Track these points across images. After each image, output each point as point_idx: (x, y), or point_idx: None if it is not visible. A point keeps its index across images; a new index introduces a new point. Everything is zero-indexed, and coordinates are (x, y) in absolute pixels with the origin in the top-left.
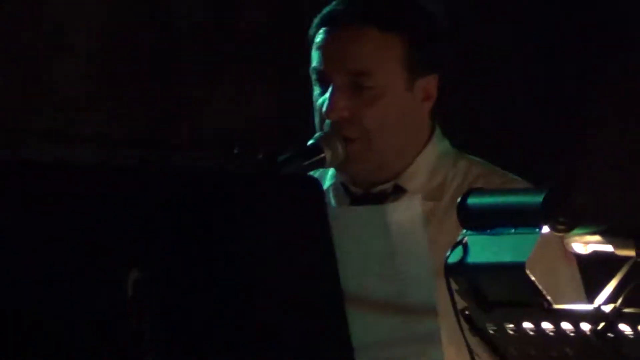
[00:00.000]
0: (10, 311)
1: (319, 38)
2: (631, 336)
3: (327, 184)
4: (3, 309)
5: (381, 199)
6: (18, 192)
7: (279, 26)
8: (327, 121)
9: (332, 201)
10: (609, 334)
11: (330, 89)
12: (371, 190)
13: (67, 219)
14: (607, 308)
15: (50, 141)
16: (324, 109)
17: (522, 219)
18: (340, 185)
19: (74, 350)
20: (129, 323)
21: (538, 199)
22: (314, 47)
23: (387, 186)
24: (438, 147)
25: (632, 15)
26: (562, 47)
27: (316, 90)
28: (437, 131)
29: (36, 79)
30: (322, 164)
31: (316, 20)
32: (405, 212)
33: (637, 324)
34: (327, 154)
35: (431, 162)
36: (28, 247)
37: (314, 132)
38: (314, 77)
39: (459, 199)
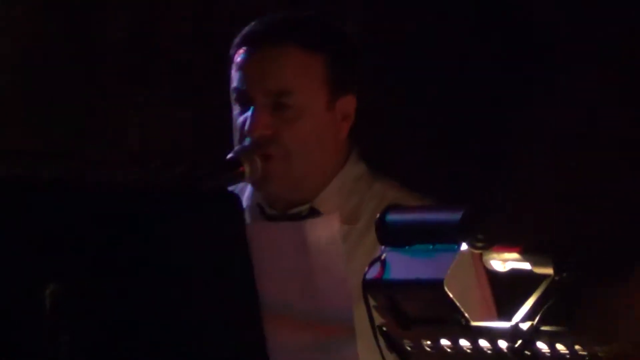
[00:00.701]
0: None
1: (239, 58)
2: (548, 354)
3: (246, 198)
4: None
5: (298, 218)
6: None
7: (200, 43)
8: (247, 139)
9: (254, 220)
10: (526, 352)
11: (252, 108)
12: (287, 212)
13: None
14: (525, 326)
15: None
16: (246, 127)
17: (441, 236)
18: (257, 207)
19: None
20: (46, 335)
21: (456, 216)
22: (235, 67)
23: (303, 208)
24: (354, 169)
25: (554, 41)
26: (481, 69)
27: (236, 110)
28: (354, 153)
29: None
30: (240, 178)
31: (236, 40)
32: (324, 229)
33: (554, 342)
34: (245, 168)
35: (347, 184)
36: None
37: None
38: (234, 96)
39: (377, 215)
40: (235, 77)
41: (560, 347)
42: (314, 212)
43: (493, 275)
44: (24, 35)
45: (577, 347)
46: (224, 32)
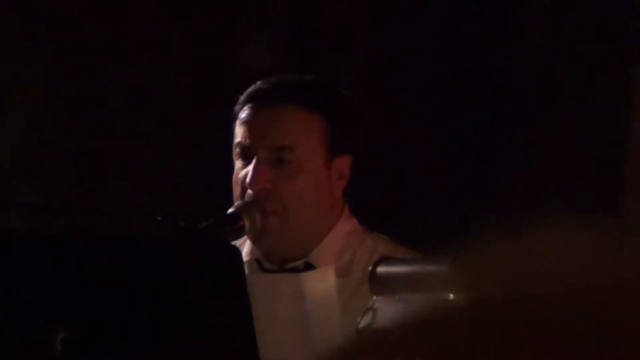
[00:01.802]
0: None
1: (244, 114)
2: None
3: (246, 252)
4: None
5: (297, 271)
6: None
7: (203, 100)
8: (249, 192)
9: (254, 273)
10: None
11: (253, 162)
12: (283, 267)
13: None
14: None
15: None
16: (247, 180)
17: (430, 286)
18: (255, 262)
19: None
20: None
21: (444, 268)
22: (239, 122)
23: (299, 263)
24: (347, 224)
25: (532, 91)
26: (459, 127)
27: (238, 164)
28: (346, 209)
29: None
30: (241, 232)
31: (242, 98)
32: (320, 281)
33: None
34: (246, 222)
35: (340, 240)
36: None
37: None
38: (237, 150)
39: (370, 267)
40: (239, 132)
41: None
42: (309, 267)
43: None
44: (39, 97)
45: None
46: (221, 92)
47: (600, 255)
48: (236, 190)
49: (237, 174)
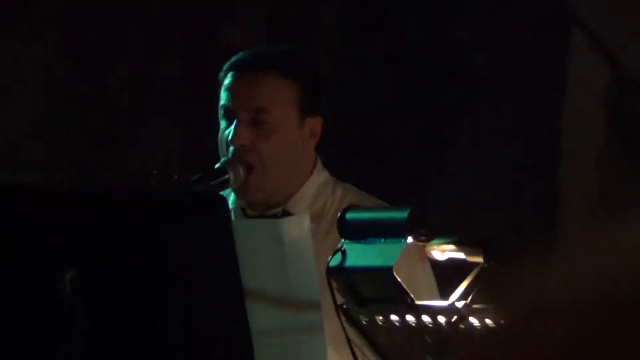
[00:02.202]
0: None
1: (227, 80)
2: (479, 327)
3: (230, 205)
4: None
5: (276, 217)
6: None
7: (190, 81)
8: (231, 148)
9: (239, 219)
10: (461, 326)
11: (235, 122)
12: (264, 214)
13: (16, 232)
14: (460, 304)
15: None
16: (229, 138)
17: (391, 231)
18: (239, 209)
19: (20, 333)
20: (66, 311)
21: (403, 215)
22: (223, 88)
23: (277, 210)
24: (320, 177)
25: (482, 69)
26: (419, 97)
27: (222, 124)
28: (319, 163)
29: None
30: (226, 185)
31: (226, 66)
32: (295, 226)
33: (484, 317)
34: (230, 176)
35: (313, 190)
36: None
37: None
38: (221, 113)
39: (339, 214)
40: (223, 96)
41: (488, 321)
42: (286, 214)
43: (434, 263)
44: (50, 77)
45: (502, 321)
46: (206, 73)
47: None
48: (221, 147)
49: (222, 133)
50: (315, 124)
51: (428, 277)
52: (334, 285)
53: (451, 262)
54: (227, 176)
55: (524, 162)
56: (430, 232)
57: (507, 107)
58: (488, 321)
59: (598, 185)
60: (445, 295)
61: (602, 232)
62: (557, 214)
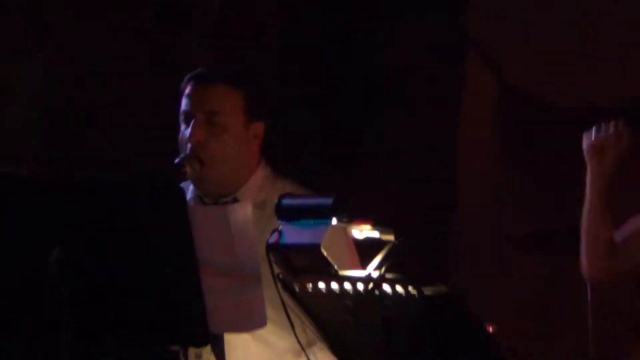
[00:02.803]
0: None
1: (187, 90)
2: (390, 293)
3: (188, 195)
4: None
5: (226, 204)
6: None
7: (158, 87)
8: (189, 145)
9: (195, 206)
10: (376, 292)
11: (192, 124)
12: (218, 202)
13: (14, 217)
14: (375, 274)
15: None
16: (187, 135)
17: (318, 214)
18: (197, 197)
19: (14, 304)
20: (53, 285)
21: (329, 201)
22: (184, 96)
23: (228, 199)
24: (263, 172)
25: (395, 81)
26: (343, 105)
27: (182, 127)
28: (263, 160)
29: None
30: (184, 177)
31: (186, 78)
32: (240, 211)
33: (395, 285)
34: (187, 170)
35: (258, 182)
36: None
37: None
38: (181, 118)
39: (276, 200)
40: (183, 102)
41: (399, 288)
42: (236, 201)
43: (354, 241)
44: (44, 80)
45: (409, 287)
46: (173, 78)
47: None
48: (181, 145)
49: (181, 134)
50: (258, 127)
51: (350, 252)
52: (272, 258)
53: (369, 239)
54: (184, 170)
55: (429, 159)
56: (351, 216)
57: (415, 113)
58: (399, 288)
59: (490, 176)
60: (364, 267)
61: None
62: (456, 201)
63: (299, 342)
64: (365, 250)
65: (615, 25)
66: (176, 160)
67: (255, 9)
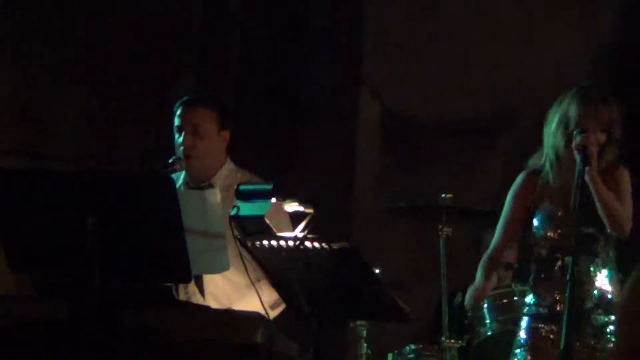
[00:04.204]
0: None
1: (178, 111)
2: (311, 247)
3: (180, 181)
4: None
5: (204, 189)
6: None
7: (158, 113)
8: (181, 148)
9: (182, 189)
10: (301, 247)
11: (183, 134)
12: (199, 186)
13: (61, 196)
14: (301, 235)
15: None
16: (180, 143)
17: (263, 195)
18: (185, 183)
19: (51, 260)
20: (88, 245)
21: (270, 186)
22: (176, 115)
23: (206, 184)
24: (229, 166)
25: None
26: (282, 118)
27: (176, 136)
28: (228, 158)
29: None
30: (174, 171)
31: (177, 104)
32: (213, 194)
33: (314, 242)
34: (177, 166)
35: (225, 173)
36: (35, 209)
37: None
38: (175, 130)
39: (236, 186)
40: (176, 120)
41: (316, 244)
42: (211, 186)
43: (287, 212)
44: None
45: (323, 244)
46: (167, 109)
47: None
48: (176, 148)
49: (176, 141)
50: (226, 134)
51: (285, 220)
52: (233, 225)
53: (297, 212)
54: (175, 166)
55: (338, 160)
56: (285, 195)
57: (328, 127)
58: (316, 244)
59: (376, 170)
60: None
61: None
62: (354, 189)
63: (250, 278)
64: (294, 219)
65: (489, 44)
66: (170, 160)
67: (221, 52)
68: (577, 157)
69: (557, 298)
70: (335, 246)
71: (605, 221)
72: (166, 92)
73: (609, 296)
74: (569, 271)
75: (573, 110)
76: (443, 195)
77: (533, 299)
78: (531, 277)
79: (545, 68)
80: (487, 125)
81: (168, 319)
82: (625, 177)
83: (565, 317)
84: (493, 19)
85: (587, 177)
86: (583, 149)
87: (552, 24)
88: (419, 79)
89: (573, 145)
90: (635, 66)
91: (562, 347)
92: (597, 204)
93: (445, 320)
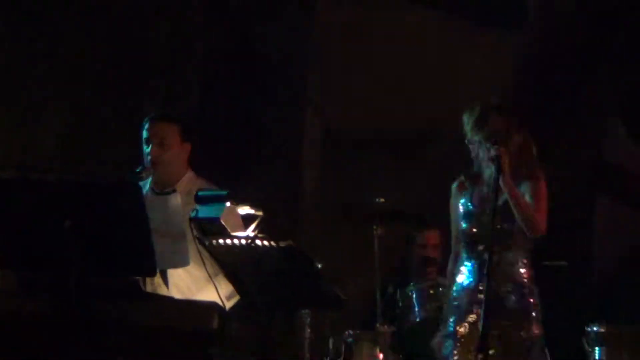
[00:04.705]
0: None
1: (147, 125)
2: (262, 246)
3: (147, 187)
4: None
5: (167, 194)
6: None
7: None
8: (148, 157)
9: (149, 194)
10: (252, 245)
11: (151, 146)
12: (164, 191)
13: (40, 202)
14: (252, 234)
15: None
16: (147, 153)
17: (219, 200)
18: (152, 189)
19: (33, 258)
20: (65, 245)
21: (225, 192)
22: (144, 129)
23: (170, 190)
24: (190, 174)
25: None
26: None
27: (144, 148)
28: (190, 166)
29: None
30: (142, 178)
31: (146, 119)
32: (174, 198)
33: (263, 241)
34: (144, 174)
35: (186, 180)
36: (20, 216)
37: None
38: (144, 142)
39: (195, 192)
40: (144, 133)
41: (265, 242)
42: (174, 191)
43: (240, 215)
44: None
45: (271, 242)
46: (136, 124)
47: None
48: (145, 158)
49: (144, 152)
50: (188, 146)
51: (238, 222)
52: (192, 226)
53: (249, 214)
54: (142, 174)
55: (287, 170)
56: (238, 200)
57: (278, 143)
58: (265, 242)
59: (323, 178)
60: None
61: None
62: (300, 195)
63: (208, 273)
64: (246, 220)
65: (418, 68)
66: (137, 169)
67: (186, 78)
68: (493, 167)
69: (478, 287)
70: (282, 244)
71: (521, 224)
72: (135, 113)
73: (523, 282)
74: (488, 262)
75: (469, 124)
76: (377, 200)
77: (455, 288)
78: (450, 267)
79: (465, 88)
80: (415, 139)
81: (137, 309)
82: (540, 181)
83: (483, 303)
84: (421, 45)
85: (501, 184)
86: (496, 159)
87: (472, 49)
88: (356, 101)
89: (487, 157)
90: (545, 85)
91: (480, 329)
92: (514, 209)
93: (379, 308)
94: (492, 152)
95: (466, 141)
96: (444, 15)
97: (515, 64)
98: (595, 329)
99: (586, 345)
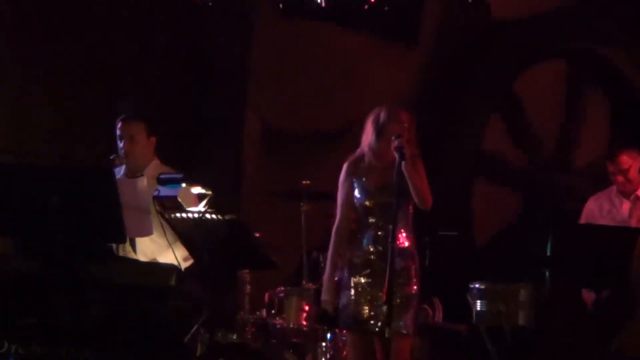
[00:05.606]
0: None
1: (119, 125)
2: (211, 219)
3: (122, 172)
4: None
5: (137, 177)
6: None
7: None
8: (123, 151)
9: (123, 177)
10: (203, 218)
11: (123, 141)
12: (134, 176)
13: (32, 182)
14: (203, 209)
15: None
16: (121, 147)
17: (177, 181)
18: (125, 174)
19: (27, 227)
20: (52, 217)
21: (180, 175)
22: (117, 127)
23: (139, 175)
24: (156, 161)
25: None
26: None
27: (119, 142)
28: (155, 155)
29: None
30: (115, 165)
31: (118, 119)
32: (141, 181)
33: (212, 215)
34: (117, 162)
35: (153, 167)
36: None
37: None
38: (118, 138)
39: (158, 175)
40: (118, 131)
41: (214, 216)
42: (142, 176)
43: (193, 194)
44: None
45: (219, 215)
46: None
47: None
48: (120, 150)
49: (119, 145)
50: (153, 139)
51: (193, 198)
52: (156, 203)
53: (201, 194)
54: (115, 161)
55: (232, 159)
56: (192, 182)
57: (224, 136)
58: (213, 216)
59: (261, 165)
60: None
61: None
62: (243, 179)
63: (168, 240)
64: (198, 198)
65: (337, 75)
66: (111, 157)
67: (150, 82)
68: (396, 154)
69: (371, 250)
70: (227, 217)
71: (416, 199)
72: (111, 110)
73: (405, 247)
74: (391, 233)
75: (384, 117)
76: (304, 182)
77: (352, 252)
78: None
79: (375, 91)
80: (335, 133)
81: (111, 269)
82: (421, 165)
83: (388, 266)
84: (340, 57)
85: (403, 169)
86: (400, 149)
87: (381, 60)
88: (290, 100)
89: (392, 147)
90: (437, 90)
91: (385, 290)
92: (411, 187)
93: (305, 269)
94: (396, 143)
95: (373, 134)
96: (358, 31)
97: (414, 72)
98: (477, 285)
99: (470, 299)
